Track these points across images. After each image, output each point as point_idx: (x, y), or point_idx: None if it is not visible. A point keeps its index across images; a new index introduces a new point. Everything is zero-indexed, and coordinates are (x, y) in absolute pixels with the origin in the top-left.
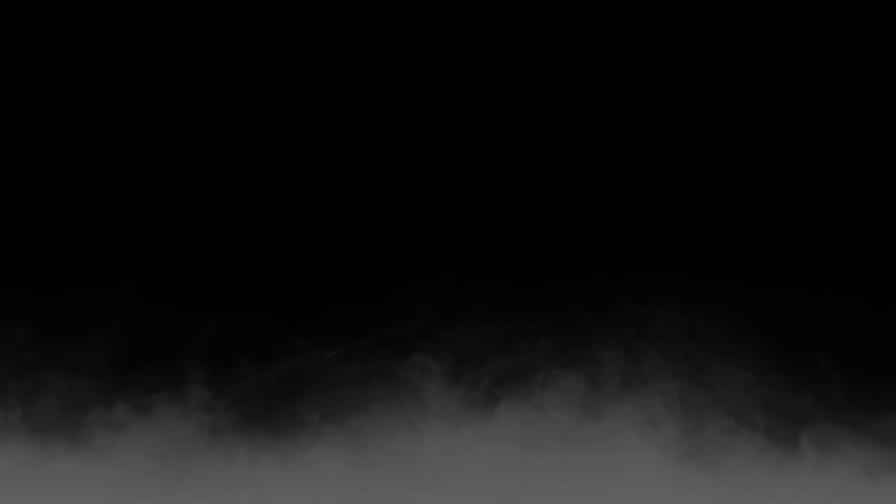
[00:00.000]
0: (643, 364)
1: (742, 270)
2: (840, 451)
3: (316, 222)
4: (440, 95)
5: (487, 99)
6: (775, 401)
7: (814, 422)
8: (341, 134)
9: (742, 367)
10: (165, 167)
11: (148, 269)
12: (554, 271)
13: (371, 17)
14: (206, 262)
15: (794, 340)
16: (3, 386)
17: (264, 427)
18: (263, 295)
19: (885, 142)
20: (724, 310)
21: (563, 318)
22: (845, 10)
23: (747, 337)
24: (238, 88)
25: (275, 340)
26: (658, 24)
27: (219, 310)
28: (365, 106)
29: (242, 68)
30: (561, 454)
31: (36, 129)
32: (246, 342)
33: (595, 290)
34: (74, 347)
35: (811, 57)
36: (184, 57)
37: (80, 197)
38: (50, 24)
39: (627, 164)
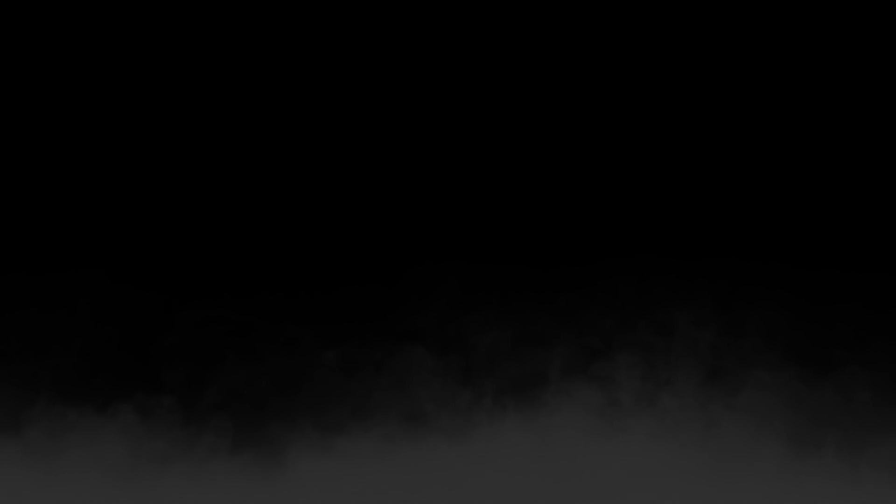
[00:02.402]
0: (661, 371)
1: (763, 274)
2: (865, 457)
3: (321, 224)
4: (452, 101)
5: (501, 103)
6: (798, 407)
7: (838, 427)
8: (346, 133)
9: (763, 372)
10: (161, 163)
11: (124, 265)
12: (569, 277)
13: (375, 23)
14: (192, 261)
15: (816, 345)
16: None
17: (249, 434)
18: (267, 299)
19: None
20: (746, 315)
21: (577, 323)
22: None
23: (769, 342)
24: (229, 85)
25: (270, 339)
26: (678, 23)
27: (203, 305)
28: (370, 105)
29: (226, 66)
30: (571, 464)
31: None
32: (235, 340)
33: (612, 295)
34: (38, 345)
35: (836, 60)
36: (156, 56)
37: (51, 193)
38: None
39: (644, 167)
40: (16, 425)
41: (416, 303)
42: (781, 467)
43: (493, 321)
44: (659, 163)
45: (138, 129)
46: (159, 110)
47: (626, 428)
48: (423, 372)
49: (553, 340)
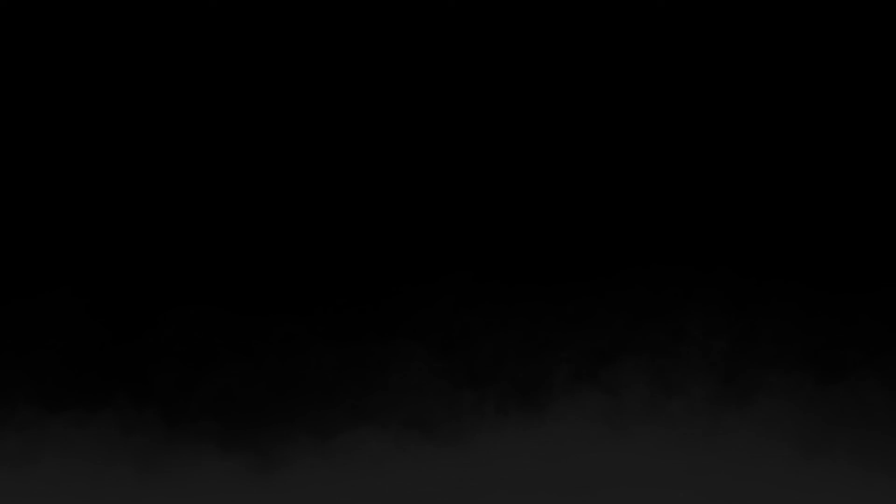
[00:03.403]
0: (671, 377)
1: (782, 282)
2: (879, 461)
3: (320, 221)
4: (460, 107)
5: (510, 115)
6: (810, 411)
7: (852, 432)
8: (345, 131)
9: (776, 377)
10: (149, 156)
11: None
12: (578, 284)
13: (368, 39)
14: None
15: (830, 350)
16: None
17: (242, 437)
18: (263, 297)
19: None
20: (759, 321)
21: (585, 327)
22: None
23: (782, 348)
24: (220, 82)
25: (265, 339)
26: (690, 26)
27: (193, 302)
28: (374, 104)
29: (215, 67)
30: (576, 472)
31: None
32: (228, 339)
33: (622, 301)
34: (15, 347)
35: (853, 72)
36: (138, 60)
37: (31, 187)
38: None
39: (655, 177)
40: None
41: (418, 303)
42: (793, 472)
43: (497, 323)
44: (671, 172)
45: (130, 124)
46: (149, 105)
47: (634, 435)
48: (425, 374)
49: (559, 344)
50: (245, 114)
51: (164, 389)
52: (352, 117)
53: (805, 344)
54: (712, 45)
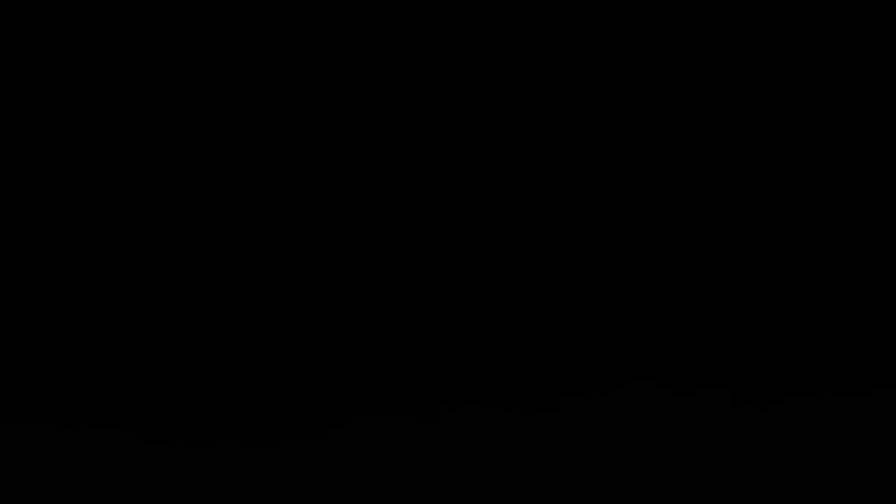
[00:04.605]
0: (680, 380)
1: (799, 284)
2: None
3: (321, 223)
4: (460, 104)
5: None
6: (829, 420)
7: (870, 442)
8: (344, 136)
9: (788, 379)
10: (142, 156)
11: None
12: (586, 296)
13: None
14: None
15: (845, 353)
16: None
17: (239, 438)
18: (261, 294)
19: None
20: (778, 325)
21: (594, 329)
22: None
23: (802, 353)
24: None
25: (263, 337)
26: (691, 50)
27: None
28: (371, 109)
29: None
30: (581, 476)
31: None
32: (223, 336)
33: (631, 303)
34: None
35: (863, 90)
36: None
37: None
38: None
39: (669, 181)
40: None
41: (420, 303)
42: (808, 475)
43: (501, 325)
44: (684, 181)
45: (122, 119)
46: (142, 112)
47: (642, 438)
48: (427, 375)
49: (565, 346)
50: (242, 116)
51: (156, 389)
52: (342, 108)
53: (823, 346)
54: (721, 58)
